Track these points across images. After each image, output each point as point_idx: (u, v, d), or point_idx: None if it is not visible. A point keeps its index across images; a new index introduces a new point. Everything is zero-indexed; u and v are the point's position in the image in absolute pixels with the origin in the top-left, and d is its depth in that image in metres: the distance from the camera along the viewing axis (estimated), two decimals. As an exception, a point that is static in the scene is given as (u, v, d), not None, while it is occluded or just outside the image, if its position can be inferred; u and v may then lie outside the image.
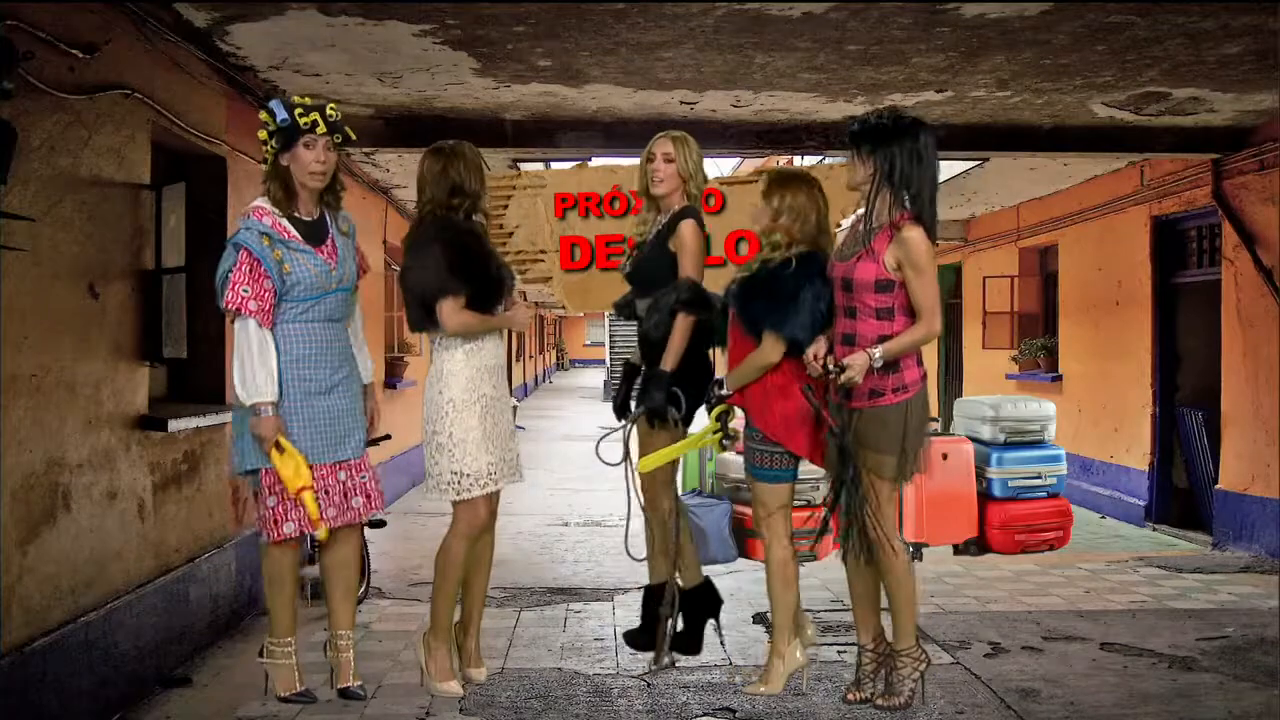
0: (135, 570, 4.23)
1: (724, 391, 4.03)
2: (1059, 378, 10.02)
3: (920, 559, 5.81)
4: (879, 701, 3.91)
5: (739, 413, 4.18)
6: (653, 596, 4.42)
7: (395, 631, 5.17)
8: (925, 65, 5.26)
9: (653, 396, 4.07)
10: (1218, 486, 7.41)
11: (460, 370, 3.97)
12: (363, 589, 5.75)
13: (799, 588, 4.11)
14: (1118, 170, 8.55)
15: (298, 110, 3.72)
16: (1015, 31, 4.72)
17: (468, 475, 3.95)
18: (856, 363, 3.63)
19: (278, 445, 3.69)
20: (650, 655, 4.48)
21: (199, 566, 4.78)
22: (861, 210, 3.93)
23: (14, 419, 3.42)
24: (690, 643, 4.44)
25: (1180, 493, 8.32)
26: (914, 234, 3.65)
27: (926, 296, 3.67)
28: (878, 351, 3.64)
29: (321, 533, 3.80)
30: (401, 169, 8.18)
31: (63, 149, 3.72)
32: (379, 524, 6.47)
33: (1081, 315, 9.67)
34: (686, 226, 4.13)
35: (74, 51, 3.74)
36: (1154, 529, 8.30)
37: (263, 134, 3.75)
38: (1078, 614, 5.40)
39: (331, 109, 3.81)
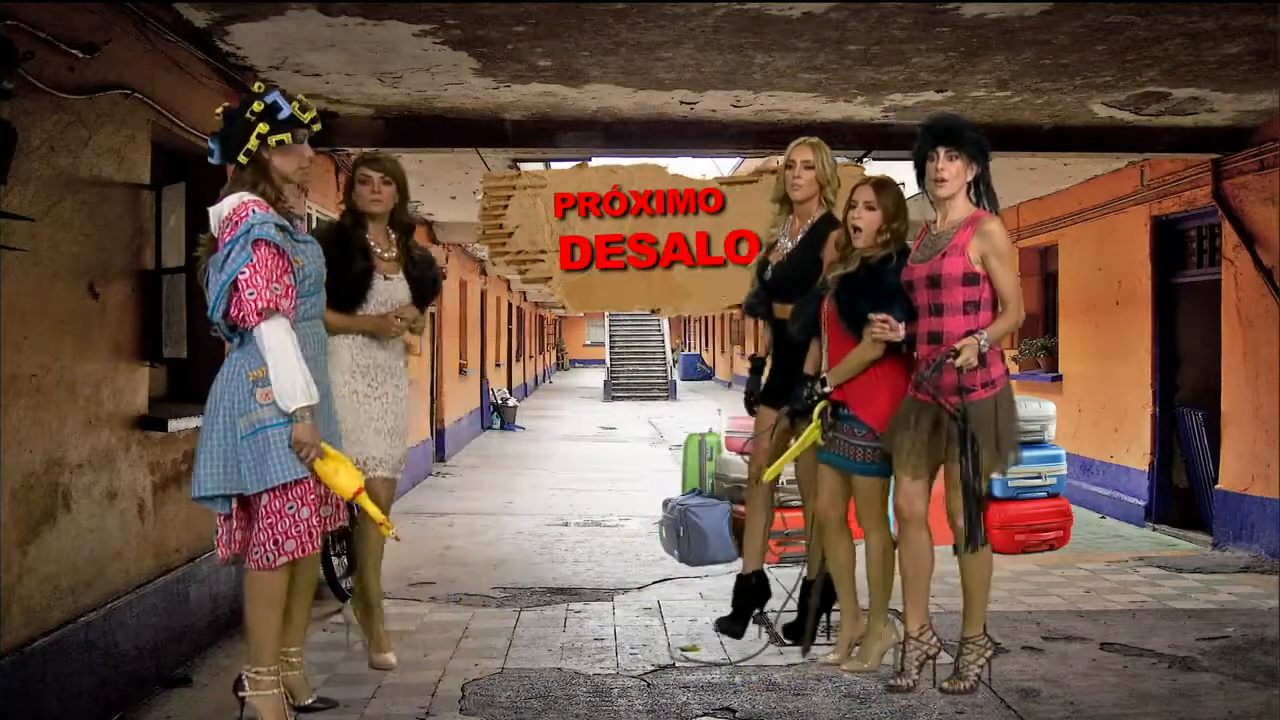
0: (135, 570, 4.23)
1: (826, 389, 4.16)
2: (1059, 378, 10.01)
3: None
4: (944, 685, 3.98)
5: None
6: (744, 585, 4.61)
7: (395, 631, 5.14)
8: (925, 65, 5.26)
9: (800, 399, 4.24)
10: (1218, 486, 7.40)
11: (334, 365, 3.93)
12: (363, 589, 5.76)
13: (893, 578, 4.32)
14: (1118, 170, 8.54)
15: (295, 104, 3.48)
16: (1015, 31, 4.72)
17: None
18: (968, 345, 3.72)
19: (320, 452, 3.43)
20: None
21: (199, 566, 4.78)
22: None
23: (14, 419, 3.42)
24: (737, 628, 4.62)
25: (1180, 493, 8.31)
26: (996, 226, 3.86)
27: (1012, 283, 3.85)
28: (984, 334, 3.75)
29: (392, 531, 3.63)
30: (401, 169, 8.17)
31: (63, 149, 3.72)
32: (379, 524, 6.48)
33: (1081, 315, 9.67)
34: (838, 237, 4.32)
35: (74, 51, 3.74)
36: (1154, 529, 8.30)
37: (263, 126, 3.43)
38: (1078, 614, 5.40)
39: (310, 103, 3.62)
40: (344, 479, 3.45)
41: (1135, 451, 8.64)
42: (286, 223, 3.49)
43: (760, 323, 4.77)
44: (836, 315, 4.12)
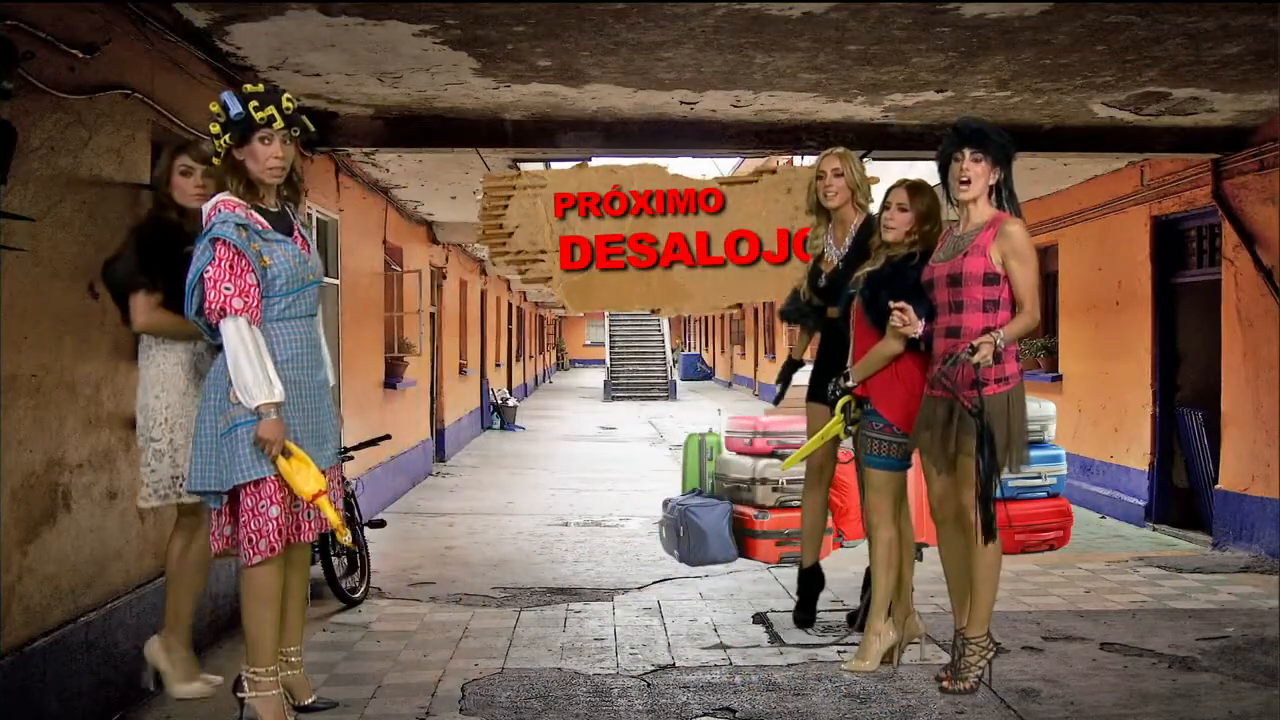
0: (135, 570, 4.23)
1: (849, 384, 4.28)
2: (1059, 378, 10.01)
3: (920, 559, 5.81)
4: (944, 685, 3.99)
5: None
6: (807, 576, 5.07)
7: (395, 631, 5.17)
8: (925, 65, 5.26)
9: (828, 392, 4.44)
10: (1218, 486, 7.40)
11: (178, 375, 3.75)
12: (362, 589, 5.76)
13: (912, 575, 4.48)
14: (1118, 170, 8.54)
15: (253, 104, 3.41)
16: (1015, 31, 4.72)
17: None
18: (985, 341, 3.74)
19: (284, 450, 3.41)
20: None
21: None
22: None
23: (14, 419, 3.42)
24: (807, 617, 5.04)
25: (1180, 493, 8.31)
26: (1018, 227, 3.89)
27: (1030, 285, 3.87)
28: (1001, 332, 3.78)
29: (346, 538, 3.68)
30: (401, 169, 8.17)
31: (63, 149, 3.72)
32: (379, 524, 6.49)
33: (1081, 315, 9.67)
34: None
35: (74, 51, 3.74)
36: (1154, 529, 8.30)
37: (215, 127, 3.44)
38: (1078, 614, 5.39)
39: (288, 100, 3.50)
40: (303, 480, 3.44)
41: (1135, 451, 8.64)
42: (254, 222, 3.46)
43: (799, 329, 5.06)
44: (862, 311, 4.24)
